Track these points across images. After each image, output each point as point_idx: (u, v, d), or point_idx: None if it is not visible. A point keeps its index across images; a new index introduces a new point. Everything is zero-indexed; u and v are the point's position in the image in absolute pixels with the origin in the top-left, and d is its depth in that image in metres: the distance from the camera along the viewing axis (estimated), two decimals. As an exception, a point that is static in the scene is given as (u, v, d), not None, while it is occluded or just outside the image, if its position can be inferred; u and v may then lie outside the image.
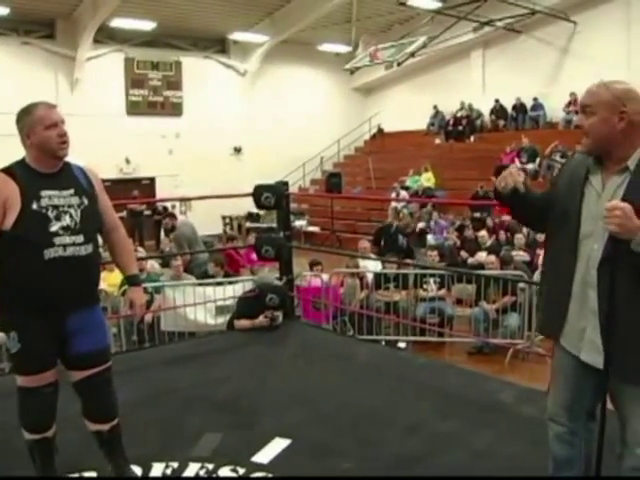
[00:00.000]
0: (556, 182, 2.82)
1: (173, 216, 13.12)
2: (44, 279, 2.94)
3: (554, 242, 2.73)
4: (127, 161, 19.41)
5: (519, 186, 2.69)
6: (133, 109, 19.78)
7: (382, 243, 12.29)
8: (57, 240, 2.94)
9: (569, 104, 18.03)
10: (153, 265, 9.37)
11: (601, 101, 2.48)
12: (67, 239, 2.97)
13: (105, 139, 17.57)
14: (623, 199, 2.38)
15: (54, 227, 2.94)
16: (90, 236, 3.07)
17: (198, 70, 20.66)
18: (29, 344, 2.98)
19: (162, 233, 17.00)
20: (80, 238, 3.01)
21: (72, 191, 3.03)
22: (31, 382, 3.05)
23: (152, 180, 20.04)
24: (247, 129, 21.08)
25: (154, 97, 20.18)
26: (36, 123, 2.95)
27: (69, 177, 3.07)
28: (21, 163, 3.02)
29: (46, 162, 3.00)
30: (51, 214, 2.94)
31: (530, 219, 3.01)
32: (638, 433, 2.51)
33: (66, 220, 2.97)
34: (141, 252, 10.94)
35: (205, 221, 16.84)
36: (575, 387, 2.70)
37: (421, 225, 15.26)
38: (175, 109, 20.55)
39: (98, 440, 3.25)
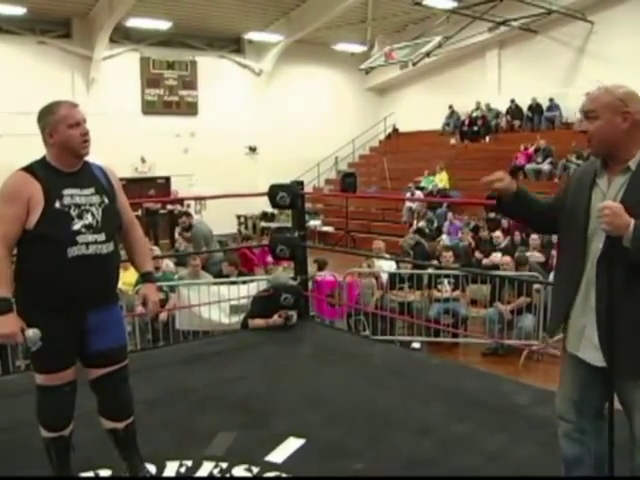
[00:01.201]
0: (567, 186, 2.87)
1: (189, 214, 13.15)
2: (67, 277, 2.95)
3: (564, 244, 2.79)
4: (142, 160, 19.50)
5: (510, 186, 2.76)
6: (149, 108, 19.86)
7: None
8: (80, 238, 2.96)
9: (585, 104, 17.93)
10: (168, 264, 9.40)
11: (604, 104, 2.54)
12: (89, 237, 2.98)
13: (121, 138, 17.63)
14: (622, 199, 2.48)
15: (77, 225, 2.95)
16: (111, 235, 3.08)
17: (213, 70, 20.71)
18: (50, 342, 2.98)
19: (177, 232, 17.13)
20: (102, 236, 3.02)
21: (93, 190, 3.05)
22: (51, 380, 3.06)
23: (167, 179, 20.12)
24: (262, 128, 21.10)
25: (169, 97, 20.25)
26: (59, 122, 2.96)
27: (89, 176, 3.08)
28: (42, 162, 3.03)
29: (67, 161, 3.01)
30: (73, 212, 2.95)
31: (541, 223, 3.03)
32: None
33: (88, 219, 2.99)
34: (156, 251, 10.99)
35: (220, 220, 16.89)
36: (582, 385, 2.73)
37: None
38: (190, 108, 20.61)
39: (113, 438, 3.27)
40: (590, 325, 2.58)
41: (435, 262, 9.89)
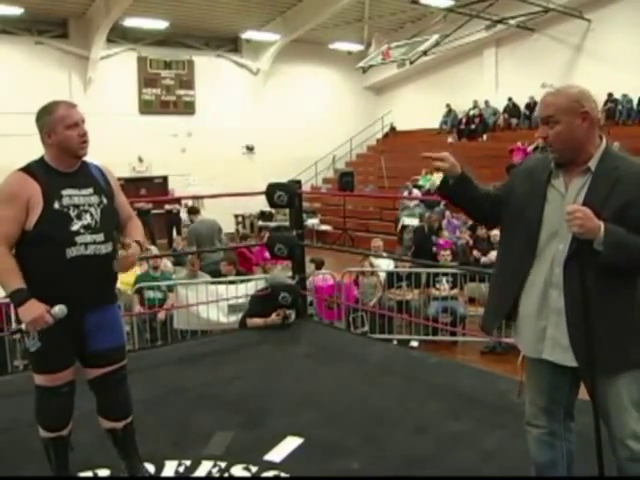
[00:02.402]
0: (512, 182, 2.81)
1: (196, 212, 12.94)
2: (66, 278, 2.95)
3: (509, 240, 2.75)
4: (140, 160, 19.47)
5: (454, 169, 2.70)
6: (146, 108, 19.83)
7: (413, 248, 12.28)
8: (79, 239, 2.96)
9: (583, 102, 17.95)
10: (166, 264, 9.40)
11: (561, 108, 2.52)
12: (88, 238, 2.98)
13: (118, 138, 17.59)
14: (585, 200, 2.46)
15: (75, 226, 2.95)
16: (109, 235, 3.08)
17: (210, 69, 20.69)
18: (49, 343, 2.99)
19: (174, 232, 17.12)
20: (100, 237, 3.02)
21: (91, 190, 3.05)
22: (49, 381, 3.06)
23: (165, 179, 20.10)
24: (259, 128, 21.09)
25: (167, 96, 20.23)
26: (57, 122, 2.96)
27: (87, 176, 3.08)
28: (40, 162, 3.03)
29: (66, 161, 3.01)
30: (72, 213, 2.95)
31: (481, 213, 2.91)
32: (625, 425, 2.54)
33: (87, 219, 2.99)
34: (154, 250, 11.00)
35: (217, 219, 16.87)
36: (549, 387, 2.73)
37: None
38: (187, 108, 20.59)
39: (112, 438, 3.27)
40: (553, 326, 2.57)
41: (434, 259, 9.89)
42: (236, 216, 19.57)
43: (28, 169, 2.99)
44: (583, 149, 2.53)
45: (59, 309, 2.89)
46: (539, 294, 2.59)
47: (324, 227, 19.37)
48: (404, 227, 15.51)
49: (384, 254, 10.13)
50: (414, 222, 15.37)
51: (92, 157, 3.15)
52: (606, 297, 2.47)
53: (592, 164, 2.52)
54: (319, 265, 8.90)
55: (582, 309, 2.46)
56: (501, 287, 2.75)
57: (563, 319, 2.54)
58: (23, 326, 2.91)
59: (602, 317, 2.47)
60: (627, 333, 2.50)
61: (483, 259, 11.13)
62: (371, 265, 9.23)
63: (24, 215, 2.90)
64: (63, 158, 3.00)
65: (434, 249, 11.23)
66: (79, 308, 3.02)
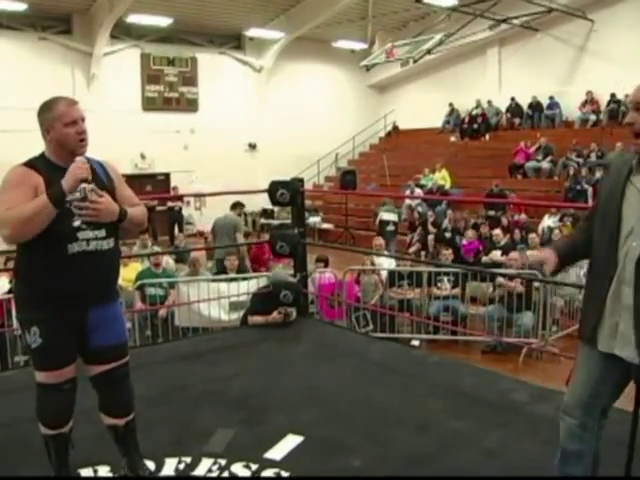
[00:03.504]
0: (602, 184, 2.82)
1: (234, 207, 12.80)
2: (68, 273, 2.94)
3: (596, 243, 2.72)
4: (142, 157, 19.48)
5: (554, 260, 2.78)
6: (149, 105, 19.85)
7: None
8: (80, 235, 2.94)
9: (585, 103, 17.94)
10: (168, 261, 9.41)
11: None
12: (90, 234, 2.97)
13: (121, 135, 17.62)
14: None
15: (77, 222, 2.93)
16: (111, 231, 3.06)
17: (214, 66, 20.69)
18: (51, 339, 2.97)
19: (176, 229, 17.13)
20: (102, 232, 3.01)
21: (92, 185, 3.03)
22: (51, 378, 3.04)
23: (167, 176, 20.10)
24: (262, 125, 21.10)
25: (170, 93, 20.23)
26: (55, 119, 2.94)
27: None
28: (41, 158, 3.02)
29: (65, 158, 2.98)
30: (74, 208, 2.93)
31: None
32: None
33: None
34: (156, 248, 11.02)
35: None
36: (596, 384, 2.72)
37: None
38: (190, 105, 20.59)
39: (113, 434, 3.27)
40: (625, 323, 2.54)
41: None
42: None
43: (30, 164, 2.98)
44: None
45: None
46: (614, 290, 2.57)
47: (326, 225, 19.37)
48: (382, 222, 15.69)
49: (385, 252, 10.14)
50: (392, 217, 15.58)
51: (94, 153, 3.14)
52: None
53: None
54: (327, 263, 8.91)
55: None
56: (595, 290, 2.70)
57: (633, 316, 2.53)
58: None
59: None
60: None
61: (484, 258, 11.14)
62: (372, 264, 9.22)
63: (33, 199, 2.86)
64: (62, 154, 2.98)
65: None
66: (81, 304, 3.01)
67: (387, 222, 15.75)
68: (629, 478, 2.61)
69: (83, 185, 2.87)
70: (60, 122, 2.94)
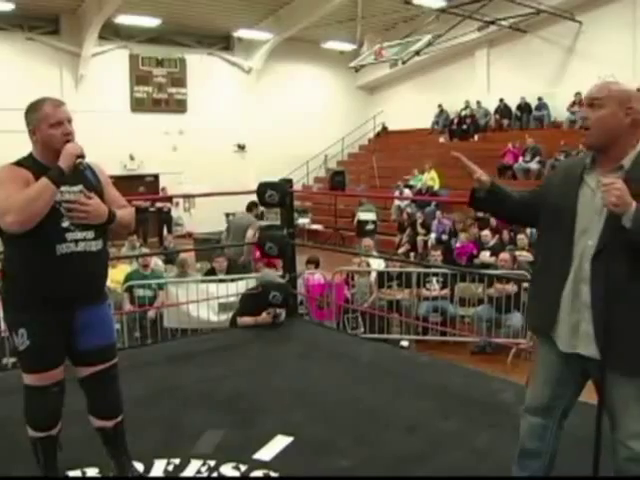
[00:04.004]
0: (549, 181, 2.89)
1: (249, 208, 12.87)
2: (56, 275, 2.93)
3: (548, 241, 2.78)
4: (131, 158, 19.44)
5: (483, 179, 2.87)
6: (137, 106, 19.81)
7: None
8: (69, 236, 2.93)
9: (573, 104, 18.00)
10: (157, 262, 9.38)
11: (612, 95, 2.55)
12: (78, 235, 2.96)
13: (109, 136, 17.57)
14: None
15: (66, 222, 2.93)
16: (100, 232, 3.05)
17: (203, 67, 20.68)
18: (39, 341, 2.96)
19: (165, 230, 17.10)
20: (91, 234, 3.00)
21: (81, 187, 3.01)
22: (38, 380, 3.03)
23: (156, 177, 20.07)
24: (251, 126, 21.09)
25: (158, 94, 20.21)
26: (41, 120, 2.93)
27: (77, 173, 3.01)
28: (29, 158, 3.01)
29: (52, 158, 2.95)
30: (62, 209, 2.93)
31: (515, 218, 3.17)
32: (629, 426, 2.56)
33: None
34: (145, 249, 10.99)
35: (208, 218, 16.89)
36: (556, 386, 2.76)
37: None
38: (179, 106, 20.57)
39: (102, 436, 3.26)
40: (586, 321, 2.58)
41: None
42: (227, 214, 19.54)
43: (18, 163, 2.97)
44: (617, 143, 2.55)
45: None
46: (571, 289, 2.61)
47: (315, 226, 19.37)
48: (360, 222, 15.80)
49: (375, 253, 10.14)
50: (370, 217, 15.72)
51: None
52: (633, 297, 2.49)
53: (626, 163, 2.55)
54: (318, 264, 8.91)
55: (607, 306, 2.48)
56: (547, 287, 2.73)
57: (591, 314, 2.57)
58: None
59: (627, 317, 2.48)
60: None
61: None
62: (368, 265, 9.23)
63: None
64: (49, 155, 2.96)
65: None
66: (69, 306, 3.00)
67: (365, 222, 15.87)
68: (625, 478, 2.62)
69: (79, 160, 2.90)
70: (46, 123, 2.93)
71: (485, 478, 3.43)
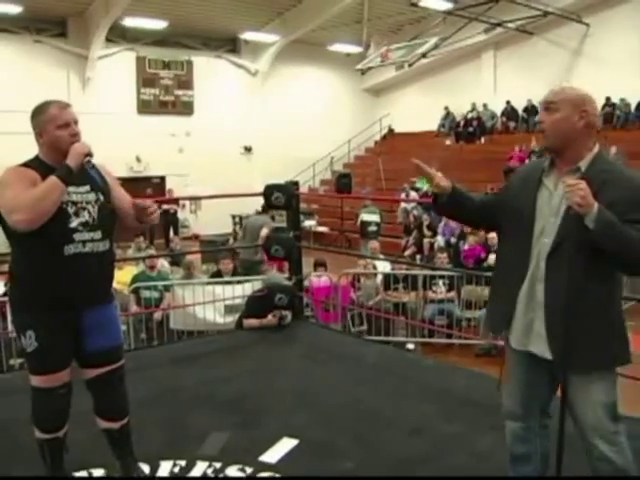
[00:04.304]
0: (510, 184, 2.94)
1: (263, 210, 12.87)
2: (64, 275, 2.93)
3: (507, 242, 2.84)
4: (138, 160, 19.48)
5: (443, 184, 2.86)
6: (144, 108, 19.85)
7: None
8: (77, 236, 2.94)
9: (580, 106, 17.97)
10: (163, 264, 9.40)
11: (566, 98, 2.65)
12: (86, 235, 2.97)
13: (116, 138, 17.59)
14: None
15: (73, 223, 2.94)
16: (107, 232, 3.07)
17: (209, 69, 20.72)
18: (46, 343, 2.96)
19: (172, 232, 17.12)
20: (98, 234, 3.01)
21: (88, 187, 3.03)
22: (46, 382, 3.04)
23: (162, 179, 20.11)
24: (257, 129, 21.11)
25: (165, 96, 20.25)
26: (48, 122, 2.95)
27: (83, 174, 3.03)
28: (36, 160, 3.02)
29: (59, 160, 2.97)
30: (70, 210, 2.93)
31: (476, 222, 3.30)
32: (593, 425, 2.60)
33: (85, 216, 2.97)
34: (151, 250, 11.01)
35: (215, 220, 16.94)
36: (527, 387, 2.80)
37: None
38: (186, 108, 20.60)
39: (108, 438, 3.26)
40: (539, 320, 2.63)
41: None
42: (233, 217, 19.57)
43: (25, 164, 2.99)
44: (572, 146, 2.62)
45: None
46: (527, 288, 2.66)
47: (321, 228, 19.35)
48: (363, 223, 15.80)
49: (381, 256, 10.14)
50: (373, 218, 15.68)
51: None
52: (586, 294, 2.53)
53: (583, 165, 2.61)
54: (326, 267, 8.92)
55: (560, 304, 2.53)
56: (505, 287, 2.78)
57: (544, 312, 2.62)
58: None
59: (582, 314, 2.53)
60: (605, 333, 2.57)
61: (481, 262, 11.10)
62: (374, 267, 9.23)
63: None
64: (56, 157, 2.98)
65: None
66: (76, 307, 3.01)
67: (369, 223, 15.88)
68: (621, 478, 2.63)
69: (87, 158, 2.93)
70: (53, 125, 2.94)
71: (486, 478, 3.43)
